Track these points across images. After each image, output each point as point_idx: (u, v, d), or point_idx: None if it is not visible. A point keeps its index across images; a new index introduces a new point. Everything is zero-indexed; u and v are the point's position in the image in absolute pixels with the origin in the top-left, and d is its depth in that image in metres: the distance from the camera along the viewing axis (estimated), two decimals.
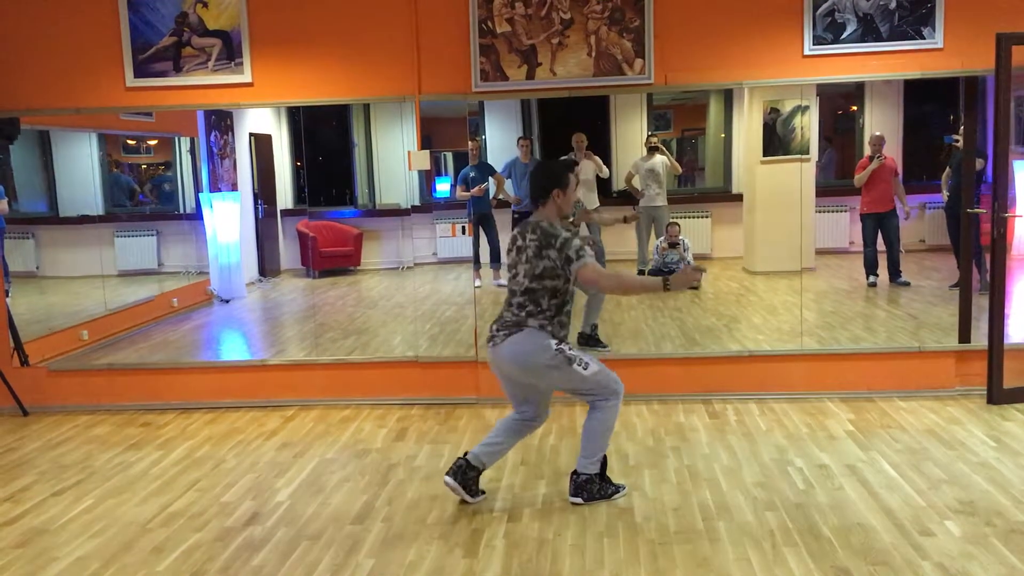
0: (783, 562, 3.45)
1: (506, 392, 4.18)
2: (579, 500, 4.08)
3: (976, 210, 5.63)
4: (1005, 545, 3.52)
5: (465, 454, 4.15)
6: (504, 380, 4.12)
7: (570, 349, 3.95)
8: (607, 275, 3.99)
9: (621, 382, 4.06)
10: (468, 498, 4.13)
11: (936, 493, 4.06)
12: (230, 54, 5.79)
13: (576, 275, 3.86)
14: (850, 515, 3.86)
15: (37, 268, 7.58)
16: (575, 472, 4.11)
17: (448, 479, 4.11)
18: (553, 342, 3.92)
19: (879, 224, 7.58)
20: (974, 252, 5.77)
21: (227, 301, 8.18)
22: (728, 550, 3.58)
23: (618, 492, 4.15)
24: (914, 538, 3.61)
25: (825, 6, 5.48)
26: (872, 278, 7.62)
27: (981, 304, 5.60)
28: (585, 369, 3.92)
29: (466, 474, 4.11)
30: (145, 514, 4.19)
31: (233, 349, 7.54)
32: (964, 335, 5.67)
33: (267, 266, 8.94)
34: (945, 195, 7.53)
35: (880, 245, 7.59)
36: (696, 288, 4.00)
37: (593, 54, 5.60)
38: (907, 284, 7.57)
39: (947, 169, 7.59)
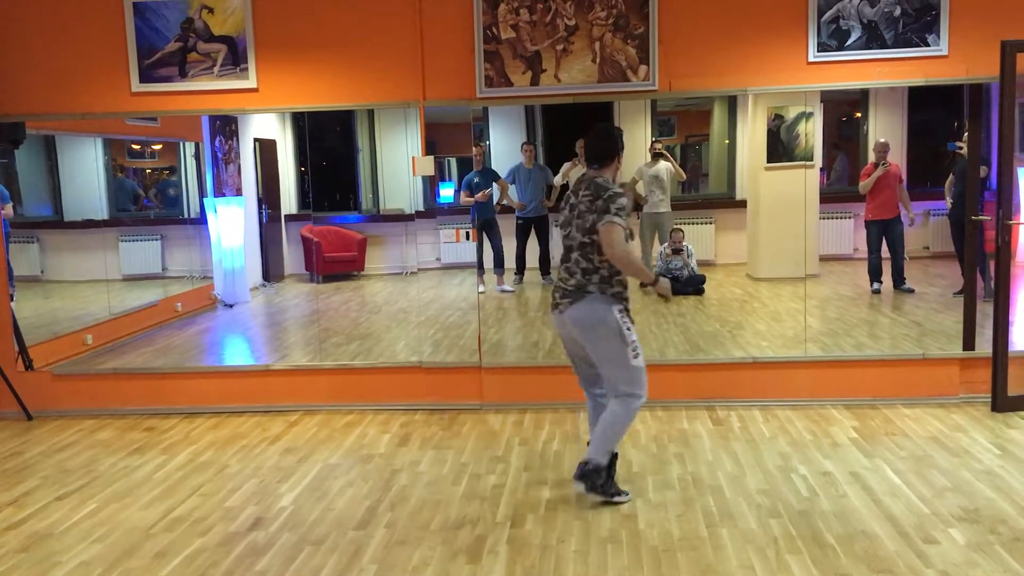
0: (787, 569, 3.45)
1: (572, 362, 4.32)
2: (582, 487, 4.09)
3: (980, 217, 5.63)
4: (1009, 553, 3.51)
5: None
6: (568, 344, 4.25)
7: (628, 328, 4.02)
8: (622, 244, 3.93)
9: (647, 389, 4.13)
10: (612, 499, 4.12)
11: (940, 501, 4.05)
12: (235, 60, 5.80)
13: (600, 228, 3.91)
14: (854, 522, 3.85)
15: (42, 272, 7.60)
16: (585, 460, 4.11)
17: (576, 484, 4.12)
18: (616, 308, 4.00)
19: (883, 231, 7.57)
20: (978, 259, 5.77)
21: (231, 306, 8.19)
22: (731, 557, 3.57)
23: (620, 496, 4.15)
24: (918, 546, 3.60)
25: (830, 13, 5.48)
26: (876, 285, 7.61)
27: (985, 311, 5.59)
28: (634, 358, 4.02)
29: (592, 479, 4.07)
30: (148, 519, 4.19)
31: (237, 354, 7.54)
32: (968, 342, 5.66)
33: (271, 271, 8.94)
34: (949, 202, 7.52)
35: (884, 252, 7.58)
36: (666, 300, 4.14)
37: (597, 60, 5.61)
38: (911, 291, 7.56)
39: (951, 176, 7.58)
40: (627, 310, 4.07)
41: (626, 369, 4.03)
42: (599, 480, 4.09)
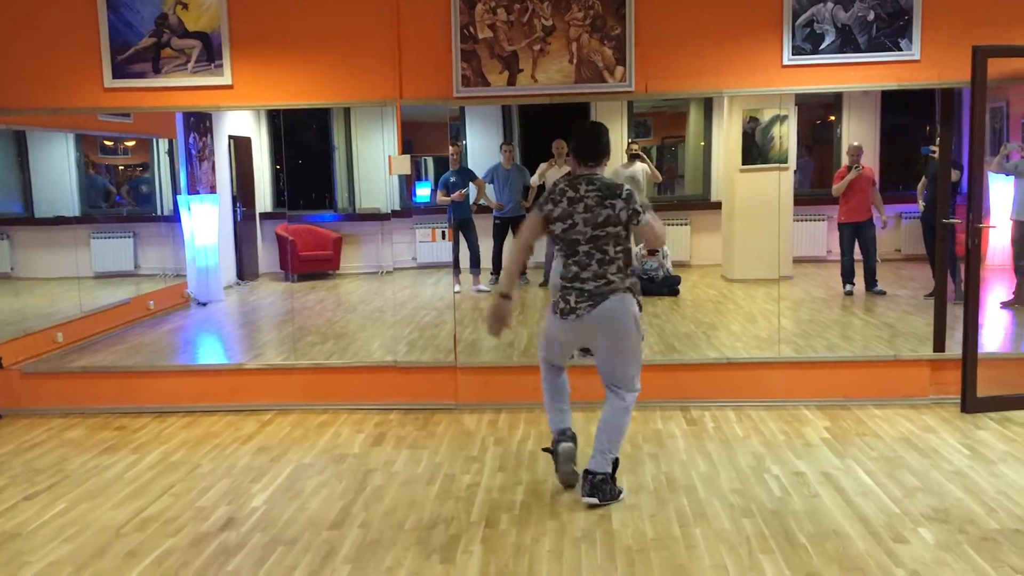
0: (759, 569, 3.47)
1: (557, 355, 4.31)
2: (595, 500, 4.07)
3: (951, 220, 5.69)
4: (978, 552, 3.55)
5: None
6: (566, 347, 4.25)
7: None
8: (661, 225, 4.12)
9: None
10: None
11: (910, 501, 4.09)
12: (210, 56, 5.76)
13: (643, 228, 4.03)
14: (825, 522, 3.88)
15: (12, 269, 7.50)
16: (590, 472, 4.09)
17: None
18: (635, 306, 4.07)
19: (856, 233, 7.65)
20: (949, 262, 5.83)
21: (204, 304, 8.13)
22: (704, 557, 3.59)
23: (621, 494, 4.15)
24: (888, 545, 3.64)
25: (804, 17, 5.53)
26: (849, 287, 7.68)
27: (956, 313, 5.65)
28: (642, 341, 4.17)
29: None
30: (119, 518, 4.15)
31: (210, 353, 7.48)
32: (939, 344, 5.72)
33: (245, 269, 8.88)
34: (921, 205, 7.61)
35: (857, 254, 7.65)
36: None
37: (574, 61, 5.62)
38: (883, 293, 7.63)
39: (923, 179, 7.67)
40: (639, 303, 4.13)
41: (639, 363, 4.14)
42: (607, 488, 4.09)
